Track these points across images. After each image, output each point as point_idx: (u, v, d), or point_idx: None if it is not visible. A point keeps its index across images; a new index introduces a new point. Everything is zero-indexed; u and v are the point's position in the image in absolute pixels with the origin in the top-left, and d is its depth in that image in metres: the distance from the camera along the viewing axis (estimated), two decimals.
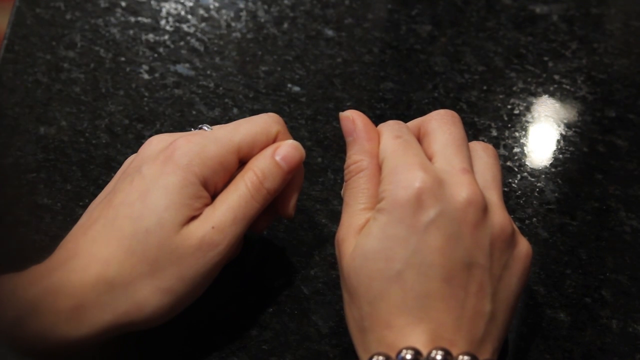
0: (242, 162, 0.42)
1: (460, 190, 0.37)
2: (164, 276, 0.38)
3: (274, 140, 0.43)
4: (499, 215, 0.38)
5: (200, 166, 0.39)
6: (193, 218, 0.39)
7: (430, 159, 0.40)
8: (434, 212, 0.36)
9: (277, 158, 0.42)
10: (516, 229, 0.39)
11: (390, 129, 0.41)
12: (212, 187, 0.40)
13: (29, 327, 0.36)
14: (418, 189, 0.37)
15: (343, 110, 0.42)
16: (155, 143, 0.42)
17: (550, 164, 0.54)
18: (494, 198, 0.39)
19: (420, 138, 0.41)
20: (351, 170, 0.41)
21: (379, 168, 0.40)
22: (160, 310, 0.38)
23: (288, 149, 0.42)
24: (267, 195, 0.41)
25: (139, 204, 0.38)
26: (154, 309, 0.38)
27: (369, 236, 0.38)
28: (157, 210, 0.38)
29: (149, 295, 0.38)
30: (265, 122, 0.43)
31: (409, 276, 0.36)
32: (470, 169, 0.39)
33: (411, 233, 0.36)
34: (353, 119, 0.42)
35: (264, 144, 0.42)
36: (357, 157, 0.41)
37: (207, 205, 0.40)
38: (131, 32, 0.60)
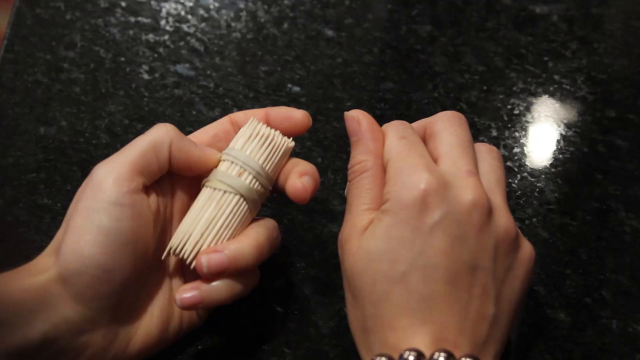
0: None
1: (466, 193, 0.37)
2: None
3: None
4: (503, 218, 0.38)
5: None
6: None
7: (435, 160, 0.39)
8: (439, 214, 0.36)
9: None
10: (519, 231, 0.39)
11: (395, 129, 0.41)
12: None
13: None
14: (423, 190, 0.37)
15: (343, 110, 0.42)
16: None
17: (550, 164, 0.54)
18: (499, 200, 0.39)
19: (425, 139, 0.41)
20: (355, 170, 0.40)
21: (383, 169, 0.40)
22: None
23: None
24: None
25: None
26: None
27: (373, 237, 0.37)
28: None
29: None
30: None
31: (413, 278, 0.36)
32: (476, 171, 0.39)
33: (416, 235, 0.36)
34: (358, 119, 0.41)
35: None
36: (361, 157, 0.40)
37: None
38: (131, 32, 0.60)
